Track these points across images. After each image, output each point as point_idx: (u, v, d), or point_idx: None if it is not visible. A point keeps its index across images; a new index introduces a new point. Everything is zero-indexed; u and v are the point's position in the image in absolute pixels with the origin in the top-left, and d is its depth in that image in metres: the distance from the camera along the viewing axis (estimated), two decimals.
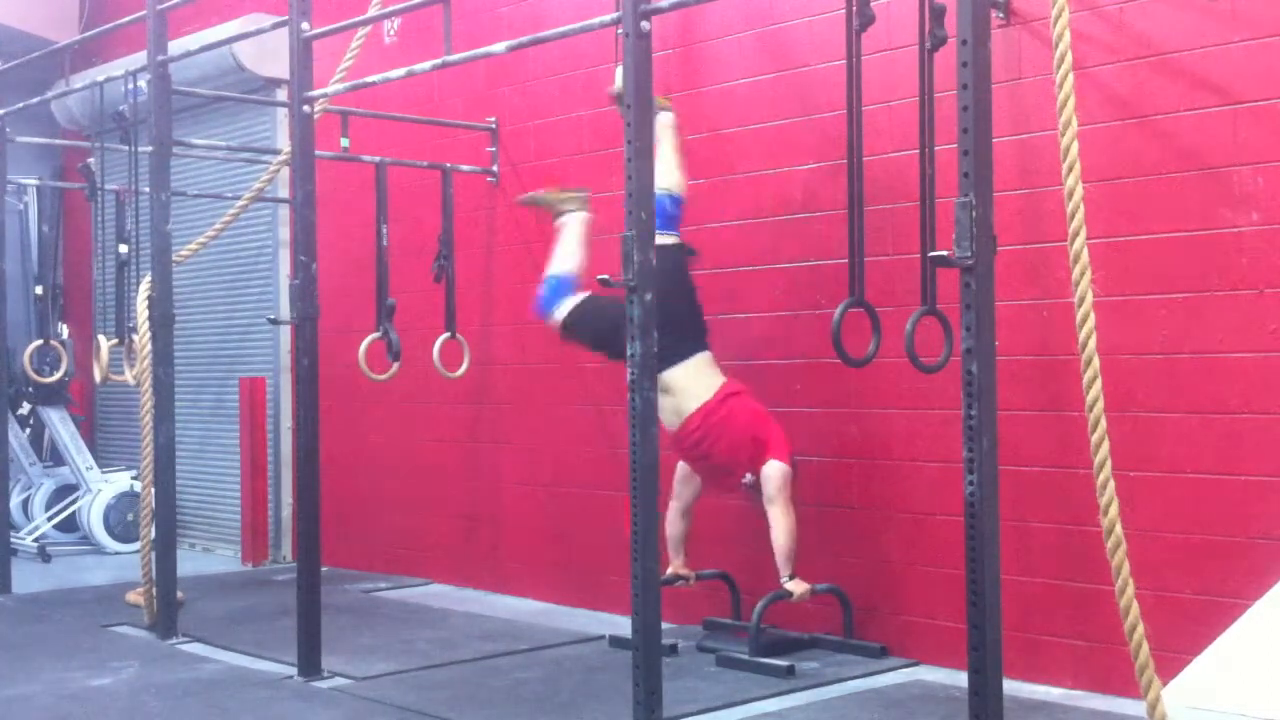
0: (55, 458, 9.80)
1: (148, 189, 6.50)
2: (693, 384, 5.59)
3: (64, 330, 9.41)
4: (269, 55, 8.06)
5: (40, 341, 8.50)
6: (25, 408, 9.55)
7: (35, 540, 9.07)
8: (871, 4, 4.44)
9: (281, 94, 8.11)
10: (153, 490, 6.42)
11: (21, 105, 7.75)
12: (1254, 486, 4.52)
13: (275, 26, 5.96)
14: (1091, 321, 3.97)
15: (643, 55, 4.42)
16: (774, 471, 5.50)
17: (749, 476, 5.64)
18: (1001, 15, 5.08)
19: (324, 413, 5.61)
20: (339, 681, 5.39)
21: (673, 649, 5.61)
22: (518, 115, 7.19)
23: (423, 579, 7.64)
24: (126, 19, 7.19)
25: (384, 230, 6.95)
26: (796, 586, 5.46)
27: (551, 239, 6.98)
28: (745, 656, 5.42)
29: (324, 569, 5.71)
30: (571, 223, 6.04)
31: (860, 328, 4.55)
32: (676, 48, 6.31)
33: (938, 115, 4.35)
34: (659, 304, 4.41)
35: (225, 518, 9.15)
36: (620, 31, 4.46)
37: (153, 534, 6.44)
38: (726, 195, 6.15)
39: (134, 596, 6.76)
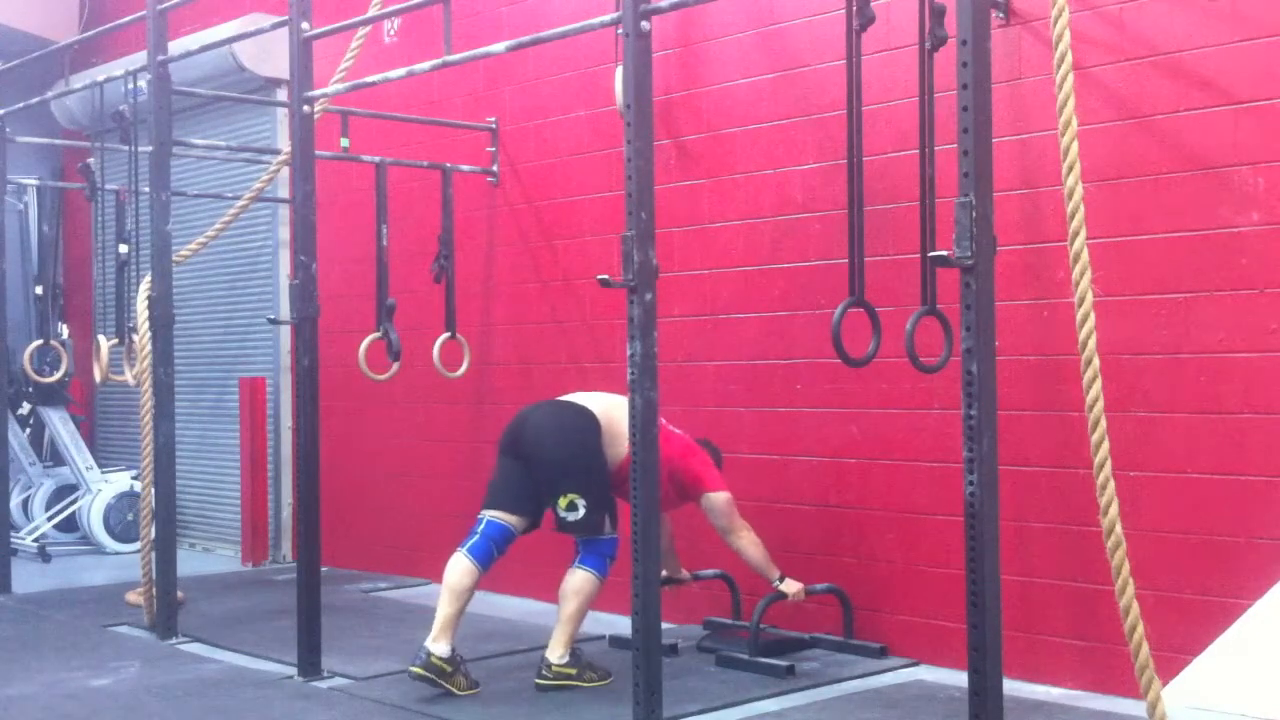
0: (55, 458, 9.79)
1: (148, 189, 6.51)
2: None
3: (64, 330, 9.41)
4: (269, 55, 8.08)
5: (40, 341, 8.48)
6: (25, 408, 9.54)
7: (35, 540, 9.06)
8: (871, 4, 4.44)
9: (281, 94, 8.11)
10: (153, 490, 6.43)
11: (21, 105, 7.75)
12: (1254, 486, 4.52)
13: (275, 26, 5.97)
14: (1091, 321, 3.97)
15: (643, 55, 4.42)
16: (714, 504, 5.43)
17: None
18: (1001, 15, 5.08)
19: (324, 413, 5.61)
20: (339, 681, 5.39)
21: (673, 649, 5.61)
22: (518, 115, 7.19)
23: (423, 579, 7.62)
24: (126, 19, 7.20)
25: (384, 230, 6.94)
26: (790, 586, 5.46)
27: (552, 239, 7.00)
28: (745, 656, 5.42)
29: (324, 569, 5.72)
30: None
31: (860, 328, 4.54)
32: (676, 48, 6.31)
33: (938, 115, 4.35)
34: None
35: (225, 518, 9.15)
36: (620, 31, 4.46)
37: (153, 534, 6.44)
38: (726, 195, 6.14)
39: (134, 596, 6.76)
